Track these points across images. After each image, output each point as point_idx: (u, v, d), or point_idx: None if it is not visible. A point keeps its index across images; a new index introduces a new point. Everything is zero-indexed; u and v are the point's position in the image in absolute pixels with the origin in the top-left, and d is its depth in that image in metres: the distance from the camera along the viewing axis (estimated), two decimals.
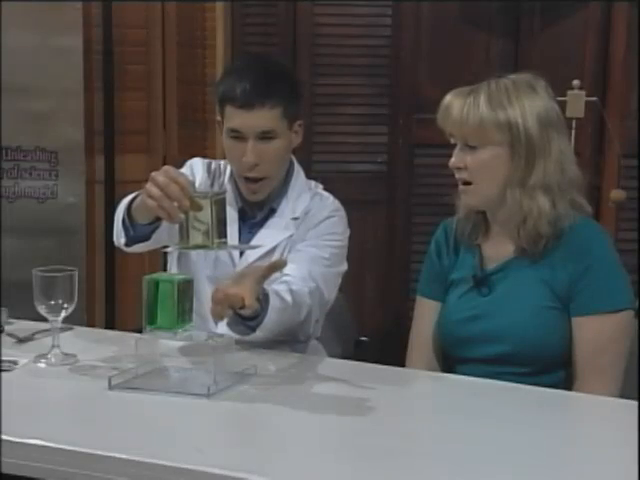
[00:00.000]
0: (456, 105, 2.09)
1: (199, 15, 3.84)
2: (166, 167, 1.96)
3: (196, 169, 2.41)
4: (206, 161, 2.44)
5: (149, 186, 1.92)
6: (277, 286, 2.11)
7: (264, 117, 2.25)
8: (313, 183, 2.44)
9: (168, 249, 2.16)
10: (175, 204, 1.89)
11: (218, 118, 2.34)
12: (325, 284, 2.25)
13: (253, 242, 2.32)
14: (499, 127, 2.06)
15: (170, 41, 3.91)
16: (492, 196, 2.11)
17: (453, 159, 2.12)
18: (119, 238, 2.19)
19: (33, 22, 3.66)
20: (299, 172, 2.42)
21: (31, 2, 3.61)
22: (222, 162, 2.44)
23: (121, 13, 3.83)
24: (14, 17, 3.60)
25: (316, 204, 2.37)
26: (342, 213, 2.39)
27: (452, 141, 2.13)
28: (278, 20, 3.78)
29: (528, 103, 2.07)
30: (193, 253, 2.33)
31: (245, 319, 2.00)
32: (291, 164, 2.41)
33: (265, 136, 2.27)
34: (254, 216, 2.38)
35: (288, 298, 2.08)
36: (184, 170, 2.40)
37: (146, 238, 2.16)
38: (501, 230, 2.16)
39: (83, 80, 3.73)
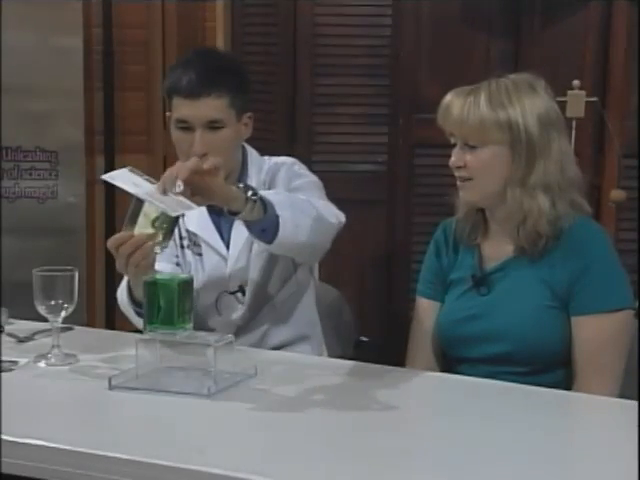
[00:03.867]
0: (456, 104, 2.09)
1: (199, 15, 3.85)
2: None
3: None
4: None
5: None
6: None
7: (210, 106, 2.24)
8: (266, 157, 2.44)
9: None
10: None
11: (168, 114, 2.33)
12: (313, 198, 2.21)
13: (234, 229, 2.33)
14: (499, 126, 2.06)
15: (170, 41, 3.92)
16: (491, 193, 2.11)
17: (453, 158, 2.12)
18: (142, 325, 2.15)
19: (33, 22, 3.66)
20: (252, 153, 2.42)
21: (31, 2, 3.61)
22: None
23: (121, 13, 3.84)
24: (14, 17, 3.60)
25: (272, 168, 2.38)
26: (301, 164, 2.41)
27: (452, 141, 2.13)
28: (278, 20, 3.78)
29: (528, 103, 2.07)
30: (188, 254, 2.36)
31: (258, 223, 1.97)
32: (244, 150, 2.41)
33: (212, 126, 2.25)
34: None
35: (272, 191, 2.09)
36: None
37: None
38: (500, 229, 2.16)
39: (83, 80, 3.73)
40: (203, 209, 2.33)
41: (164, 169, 4.06)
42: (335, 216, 2.19)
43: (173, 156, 3.83)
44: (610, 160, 3.66)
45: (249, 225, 1.99)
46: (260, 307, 2.36)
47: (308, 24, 3.76)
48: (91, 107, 3.83)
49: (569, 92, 3.37)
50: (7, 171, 3.74)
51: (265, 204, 1.95)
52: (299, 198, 2.11)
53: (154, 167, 3.92)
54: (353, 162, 3.81)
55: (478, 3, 3.71)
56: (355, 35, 3.75)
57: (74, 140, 3.75)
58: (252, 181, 2.34)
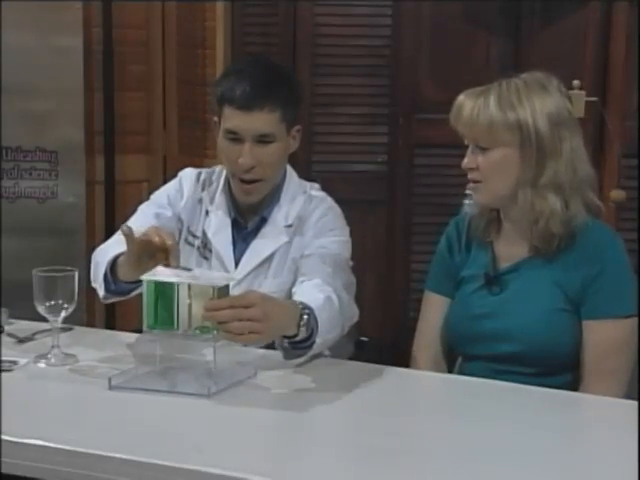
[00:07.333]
0: (467, 106, 2.09)
1: (199, 15, 3.84)
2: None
3: (185, 182, 2.40)
4: (195, 171, 2.42)
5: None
6: (305, 293, 2.06)
7: (263, 120, 2.23)
8: (309, 185, 2.41)
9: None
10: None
11: (215, 119, 2.33)
12: (340, 276, 2.22)
13: (248, 252, 2.32)
14: (509, 128, 2.06)
15: (170, 41, 3.91)
16: (503, 195, 2.11)
17: (466, 160, 2.13)
18: (98, 288, 2.18)
19: (33, 22, 3.66)
20: (291, 176, 2.39)
21: (31, 2, 3.61)
22: (217, 169, 2.42)
23: (121, 13, 3.83)
24: (14, 17, 3.60)
25: (308, 208, 2.34)
26: (337, 210, 2.37)
27: (465, 142, 2.13)
28: (278, 20, 3.78)
29: (539, 103, 2.07)
30: (192, 252, 2.35)
31: (301, 341, 1.96)
32: (285, 170, 2.38)
33: (262, 139, 2.25)
34: (246, 226, 2.36)
35: (320, 295, 2.04)
36: (173, 183, 2.41)
37: (125, 294, 2.15)
38: (514, 229, 2.15)
39: (83, 80, 3.72)
40: (228, 220, 2.34)
41: (164, 169, 4.07)
42: (350, 319, 2.17)
43: (173, 156, 3.86)
44: (610, 160, 3.65)
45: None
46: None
47: (308, 24, 3.76)
48: (91, 107, 3.82)
49: (569, 92, 3.37)
50: (7, 171, 3.73)
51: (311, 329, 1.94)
52: (342, 310, 2.07)
53: (154, 167, 3.93)
54: (353, 162, 3.81)
55: (478, 3, 3.71)
56: (355, 35, 3.75)
57: (74, 140, 3.74)
58: (280, 211, 2.33)
